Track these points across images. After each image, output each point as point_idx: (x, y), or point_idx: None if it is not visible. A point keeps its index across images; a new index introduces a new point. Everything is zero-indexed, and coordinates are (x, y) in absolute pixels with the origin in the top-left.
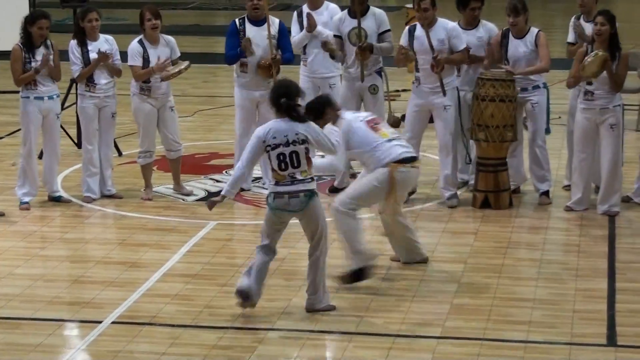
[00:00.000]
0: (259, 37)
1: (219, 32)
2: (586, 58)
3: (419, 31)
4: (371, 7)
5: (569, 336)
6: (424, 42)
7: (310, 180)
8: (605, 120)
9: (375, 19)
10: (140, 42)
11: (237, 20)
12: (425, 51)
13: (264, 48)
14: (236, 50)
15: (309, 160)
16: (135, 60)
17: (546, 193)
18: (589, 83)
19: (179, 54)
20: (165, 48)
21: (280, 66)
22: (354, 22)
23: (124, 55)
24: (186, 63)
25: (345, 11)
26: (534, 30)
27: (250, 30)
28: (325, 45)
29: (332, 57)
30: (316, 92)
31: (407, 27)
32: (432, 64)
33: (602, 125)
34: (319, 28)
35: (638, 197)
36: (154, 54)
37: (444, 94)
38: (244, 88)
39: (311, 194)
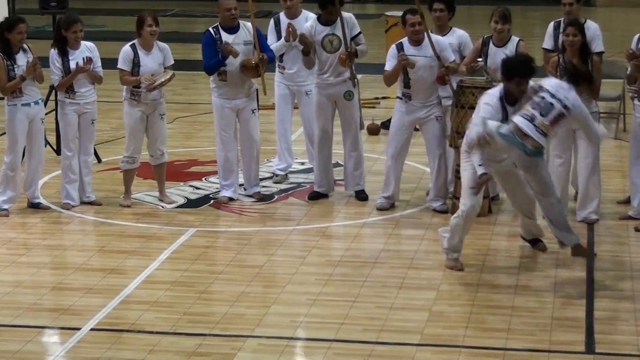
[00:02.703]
0: (235, 44)
1: (199, 39)
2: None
3: (410, 48)
4: (341, 12)
5: (547, 343)
6: (418, 58)
7: None
8: None
9: (347, 23)
10: (133, 46)
11: (211, 29)
12: (421, 67)
13: (244, 52)
14: (217, 58)
15: None
16: (124, 64)
17: None
18: None
19: (172, 62)
20: (159, 54)
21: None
22: (326, 30)
23: (104, 62)
24: (170, 73)
25: (314, 18)
26: (514, 39)
27: (227, 38)
28: (302, 37)
29: (306, 53)
30: (292, 99)
31: (393, 46)
32: (441, 75)
33: (578, 131)
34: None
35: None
36: (145, 59)
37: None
38: (223, 97)
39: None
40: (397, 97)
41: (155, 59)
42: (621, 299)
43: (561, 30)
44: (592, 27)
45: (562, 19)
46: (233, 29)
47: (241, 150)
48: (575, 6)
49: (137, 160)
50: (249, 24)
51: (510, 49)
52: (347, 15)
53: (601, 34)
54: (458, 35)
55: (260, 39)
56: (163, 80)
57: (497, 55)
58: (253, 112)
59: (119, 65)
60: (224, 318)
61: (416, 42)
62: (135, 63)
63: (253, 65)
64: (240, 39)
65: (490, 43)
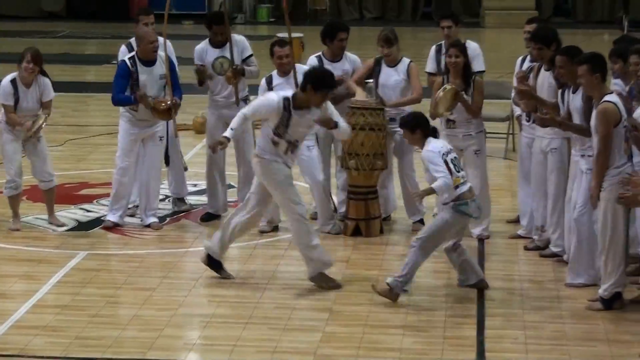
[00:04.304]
0: (150, 79)
1: (89, 60)
2: (437, 94)
3: (278, 79)
4: (232, 34)
5: None
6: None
7: None
8: (469, 146)
9: (238, 45)
10: (14, 82)
11: (127, 60)
12: None
13: (157, 89)
14: (129, 97)
15: None
16: (5, 99)
17: (420, 221)
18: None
19: (50, 97)
20: (37, 90)
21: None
22: (217, 52)
23: None
24: (43, 117)
25: (206, 41)
26: (405, 60)
27: (143, 72)
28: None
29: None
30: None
31: (263, 80)
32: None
33: (466, 151)
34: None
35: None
36: (23, 96)
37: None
38: (132, 125)
39: None
40: None
41: (34, 96)
42: (511, 317)
43: (443, 52)
44: (472, 47)
45: (442, 42)
46: (150, 62)
47: (140, 177)
48: (454, 28)
49: (20, 185)
50: (164, 55)
51: (401, 70)
52: (239, 37)
53: (481, 53)
54: (352, 59)
55: (172, 75)
56: (37, 126)
57: (389, 75)
58: (160, 139)
59: (0, 101)
60: (115, 341)
61: (284, 73)
62: (16, 99)
63: (165, 109)
64: (157, 72)
65: (382, 63)
